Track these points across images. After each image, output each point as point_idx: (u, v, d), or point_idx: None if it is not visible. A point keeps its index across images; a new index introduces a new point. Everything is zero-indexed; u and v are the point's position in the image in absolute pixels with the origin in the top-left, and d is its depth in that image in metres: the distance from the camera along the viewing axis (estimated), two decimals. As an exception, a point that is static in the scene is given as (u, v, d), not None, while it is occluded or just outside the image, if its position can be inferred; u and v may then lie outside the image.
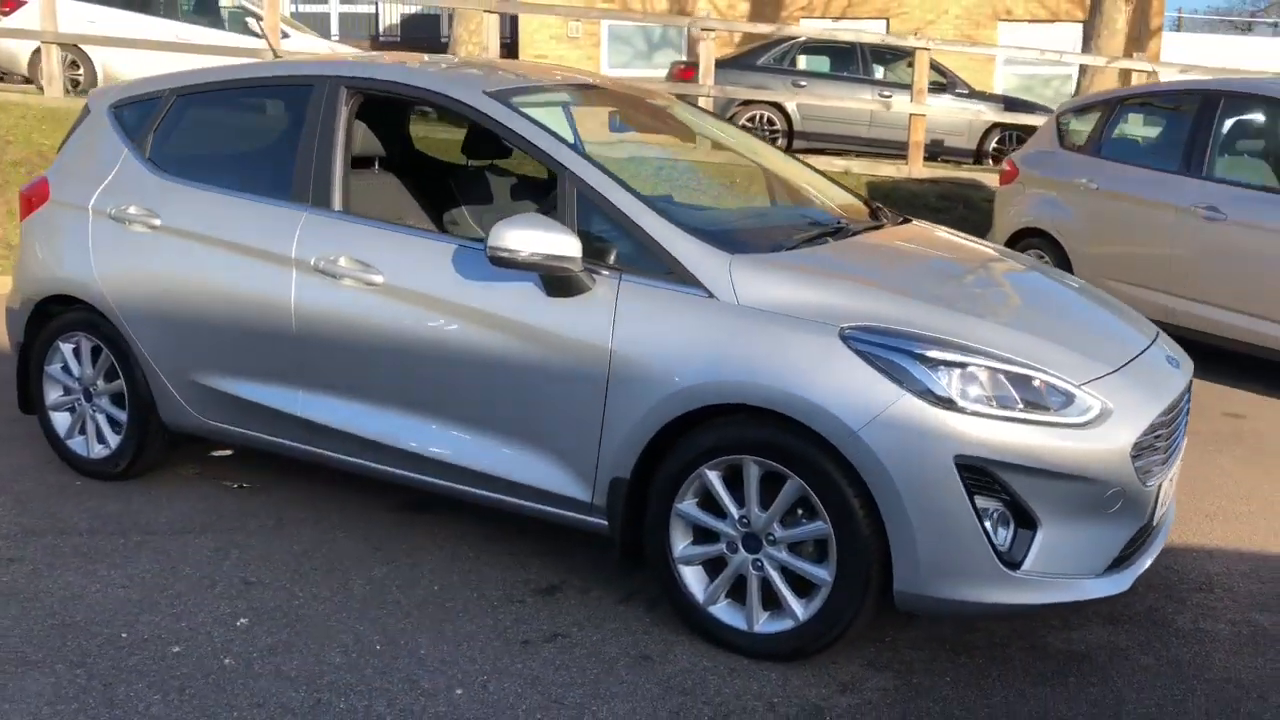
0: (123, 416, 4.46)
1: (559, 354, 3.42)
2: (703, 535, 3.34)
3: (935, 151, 13.31)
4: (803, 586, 3.21)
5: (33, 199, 4.67)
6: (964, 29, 19.53)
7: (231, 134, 4.47)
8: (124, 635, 3.34)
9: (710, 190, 5.59)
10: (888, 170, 11.05)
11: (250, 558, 3.89)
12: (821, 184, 4.53)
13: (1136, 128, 8.10)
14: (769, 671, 3.22)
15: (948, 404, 2.98)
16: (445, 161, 4.99)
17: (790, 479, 3.12)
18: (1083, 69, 12.53)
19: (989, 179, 11.04)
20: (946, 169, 11.80)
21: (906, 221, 4.22)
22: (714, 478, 3.24)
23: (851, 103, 12.42)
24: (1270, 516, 4.50)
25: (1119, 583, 3.18)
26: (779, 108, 13.23)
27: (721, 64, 13.59)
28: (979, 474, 2.98)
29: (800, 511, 3.18)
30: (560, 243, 3.32)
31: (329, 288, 3.83)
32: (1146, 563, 3.33)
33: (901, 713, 3.04)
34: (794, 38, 13.60)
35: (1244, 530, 4.34)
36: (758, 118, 13.28)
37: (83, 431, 4.60)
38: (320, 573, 3.79)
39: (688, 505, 3.30)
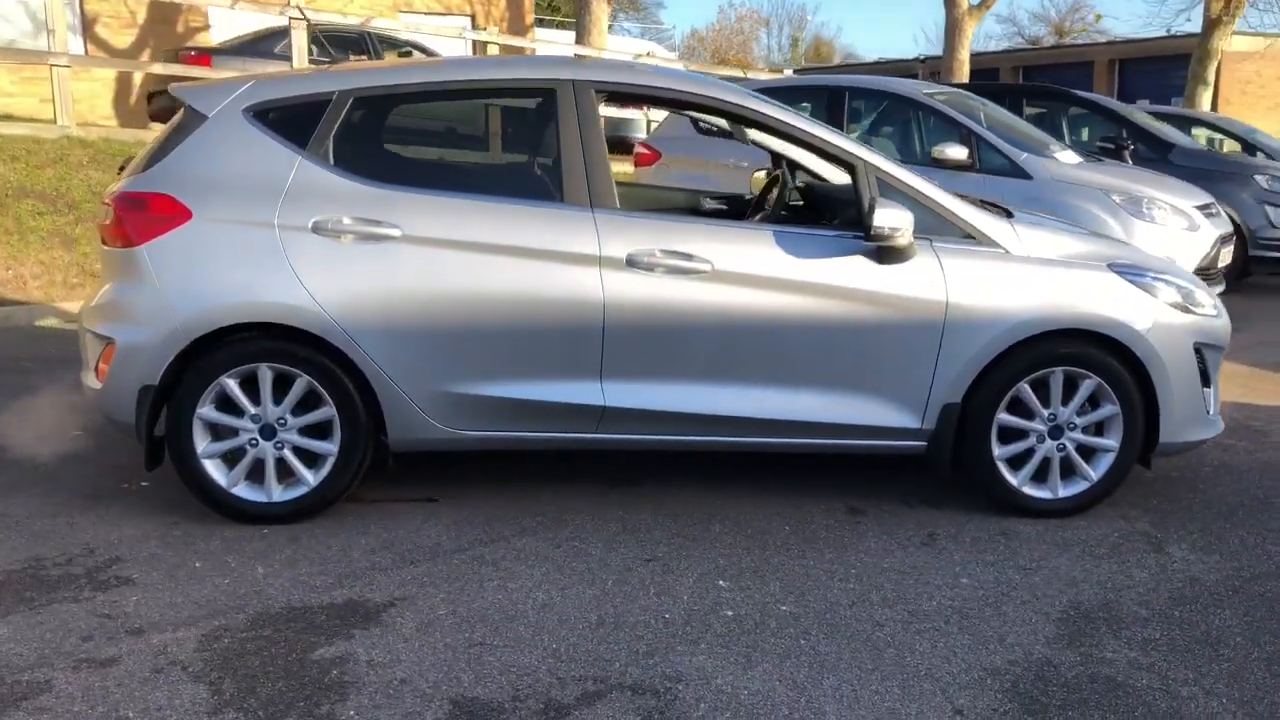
0: (327, 448, 4.16)
1: (897, 310, 4.21)
2: (1011, 435, 4.38)
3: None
4: (1086, 456, 4.42)
5: (146, 219, 4.05)
6: (368, 16, 20.25)
7: (447, 138, 4.33)
8: (667, 615, 3.54)
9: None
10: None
11: (597, 543, 4.08)
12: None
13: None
14: (1080, 521, 4.41)
15: (1181, 309, 4.41)
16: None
17: (1089, 378, 4.32)
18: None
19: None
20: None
21: None
22: (1027, 389, 4.32)
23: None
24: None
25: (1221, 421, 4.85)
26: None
27: (227, 51, 13.18)
28: (1197, 353, 4.45)
29: (1086, 403, 4.39)
30: (910, 220, 4.13)
31: (645, 280, 4.12)
32: None
33: (1181, 519, 4.43)
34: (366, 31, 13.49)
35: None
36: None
37: (250, 475, 4.17)
38: (684, 540, 4.14)
39: (1005, 415, 4.34)
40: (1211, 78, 20.84)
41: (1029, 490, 4.40)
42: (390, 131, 4.28)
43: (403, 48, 14.66)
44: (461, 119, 4.39)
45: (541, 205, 4.15)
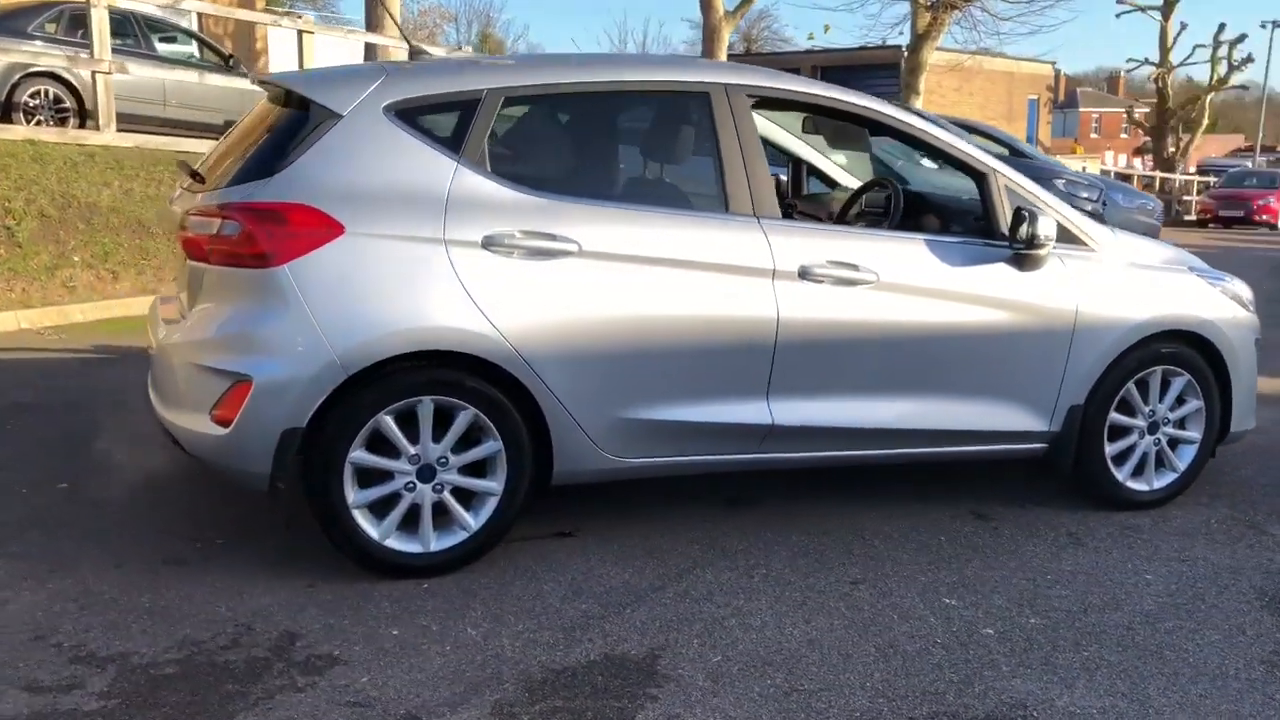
0: (490, 486, 3.76)
1: (1037, 317, 4.31)
2: (1116, 433, 4.59)
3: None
4: (1172, 449, 4.71)
5: (287, 234, 3.49)
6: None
7: (601, 142, 3.96)
8: (938, 640, 3.46)
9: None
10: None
11: (784, 569, 3.92)
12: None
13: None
14: (1173, 510, 4.68)
15: (1245, 306, 4.79)
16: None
17: (1180, 376, 4.61)
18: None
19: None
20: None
21: None
22: (1134, 390, 4.55)
23: (179, 75, 11.71)
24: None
25: None
26: (66, 83, 11.60)
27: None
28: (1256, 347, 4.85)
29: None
30: (1055, 229, 4.25)
31: (815, 292, 4.00)
32: None
33: (1247, 501, 4.80)
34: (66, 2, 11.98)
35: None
36: (41, 93, 11.51)
37: (407, 525, 3.71)
38: (866, 559, 4.05)
39: (1115, 414, 4.55)
40: (922, 86, 22.67)
41: (1131, 484, 4.62)
42: (542, 135, 3.89)
43: (167, 32, 13.32)
44: (610, 121, 4.05)
45: (711, 216, 3.93)
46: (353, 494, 3.58)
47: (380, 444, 3.60)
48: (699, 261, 3.83)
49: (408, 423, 3.61)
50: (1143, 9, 35.86)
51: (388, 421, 3.57)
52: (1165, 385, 4.60)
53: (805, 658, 3.29)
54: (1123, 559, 4.13)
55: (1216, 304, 4.63)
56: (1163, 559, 4.14)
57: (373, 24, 13.32)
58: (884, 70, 28.37)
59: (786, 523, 4.34)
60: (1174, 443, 4.68)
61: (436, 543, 3.71)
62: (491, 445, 3.70)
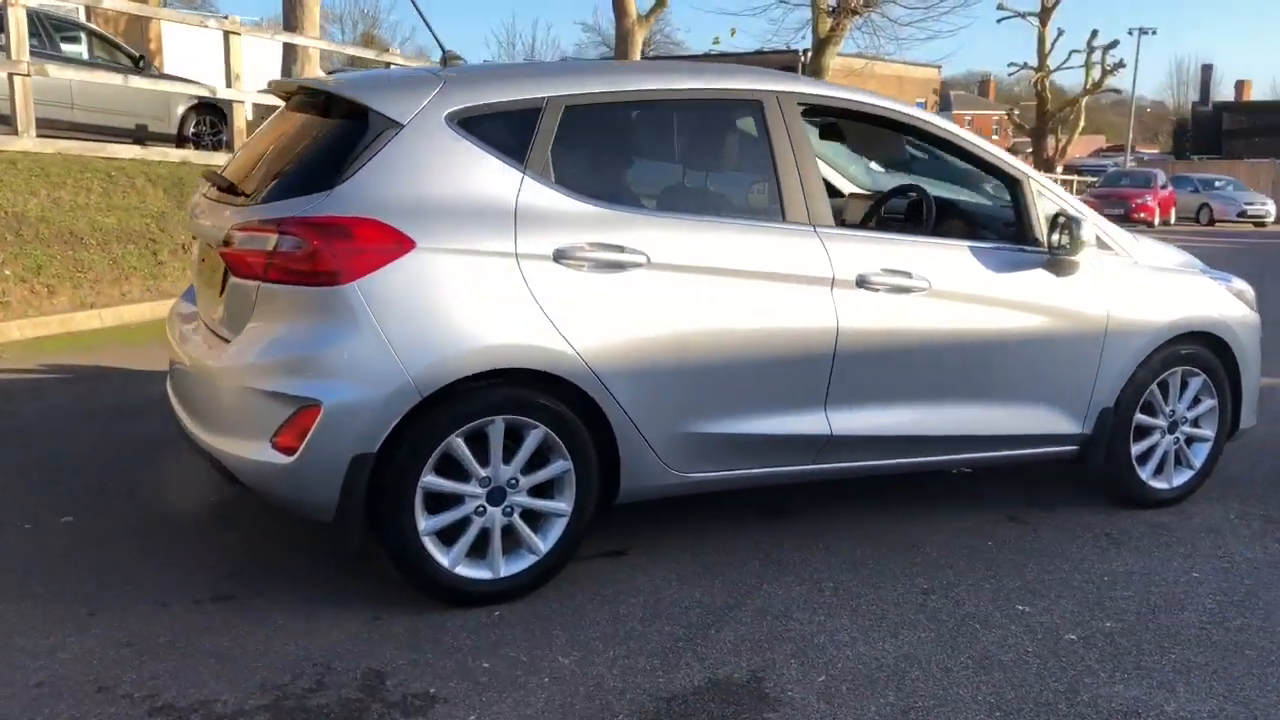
0: (559, 508, 3.65)
1: (1072, 321, 4.36)
2: (1139, 433, 4.68)
3: (140, 136, 12.56)
4: (1187, 445, 4.83)
5: (354, 250, 3.32)
6: None
7: (660, 151, 3.85)
8: (1028, 649, 3.46)
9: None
10: (175, 155, 10.49)
11: (850, 581, 3.89)
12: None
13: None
14: (1190, 508, 4.78)
15: (1250, 305, 4.93)
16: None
17: (1197, 376, 4.72)
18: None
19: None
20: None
21: None
22: (1156, 391, 4.65)
23: (99, 77, 11.17)
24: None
25: None
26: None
27: None
28: (1257, 343, 5.00)
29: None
30: (1094, 233, 4.31)
31: (871, 301, 3.98)
32: None
33: (1255, 497, 4.94)
34: None
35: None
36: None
37: (474, 551, 3.58)
38: (924, 566, 4.04)
39: (1140, 415, 4.63)
40: (824, 90, 22.89)
41: (1153, 483, 4.72)
42: (603, 144, 3.77)
43: (70, 31, 12.71)
44: (668, 130, 3.96)
45: (771, 225, 3.87)
46: (423, 521, 3.42)
47: (448, 467, 3.44)
48: (763, 272, 3.77)
49: (476, 444, 3.46)
50: (1022, 15, 37.05)
51: (459, 443, 3.42)
52: (1184, 385, 4.69)
53: (907, 674, 3.24)
54: (1166, 558, 4.19)
55: (1229, 304, 4.75)
56: (1202, 556, 4.22)
57: (292, 24, 12.91)
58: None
59: (835, 533, 4.30)
60: (1189, 441, 4.78)
61: (506, 568, 3.57)
62: (561, 465, 3.57)
